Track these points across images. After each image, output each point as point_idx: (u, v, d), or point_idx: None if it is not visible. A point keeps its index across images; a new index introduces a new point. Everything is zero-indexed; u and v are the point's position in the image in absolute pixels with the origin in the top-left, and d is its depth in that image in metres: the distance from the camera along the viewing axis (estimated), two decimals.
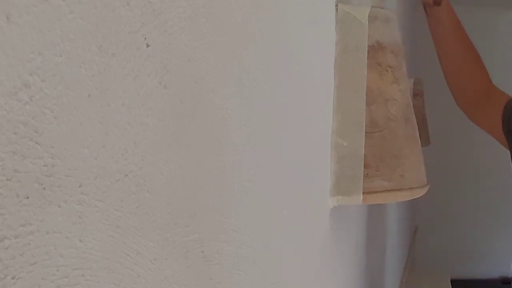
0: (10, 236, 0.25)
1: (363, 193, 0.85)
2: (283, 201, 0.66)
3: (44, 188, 0.27)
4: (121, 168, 0.33)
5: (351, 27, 0.85)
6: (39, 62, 0.26)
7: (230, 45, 0.48)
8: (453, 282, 3.39)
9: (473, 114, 1.51)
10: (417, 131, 0.99)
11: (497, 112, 1.47)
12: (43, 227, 0.27)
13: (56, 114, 0.28)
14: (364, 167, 0.85)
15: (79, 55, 0.29)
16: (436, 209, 4.08)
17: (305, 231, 0.77)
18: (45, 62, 0.27)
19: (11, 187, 0.25)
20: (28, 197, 0.26)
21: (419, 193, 0.95)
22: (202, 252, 0.44)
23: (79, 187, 0.30)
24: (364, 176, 0.85)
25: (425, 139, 2.24)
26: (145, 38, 0.35)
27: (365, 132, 0.85)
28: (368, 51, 0.86)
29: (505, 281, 4.30)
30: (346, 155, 0.85)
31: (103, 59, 0.31)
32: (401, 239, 3.02)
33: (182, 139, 0.41)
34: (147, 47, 0.35)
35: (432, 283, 3.33)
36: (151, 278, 0.37)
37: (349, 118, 0.85)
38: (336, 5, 0.85)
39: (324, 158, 0.83)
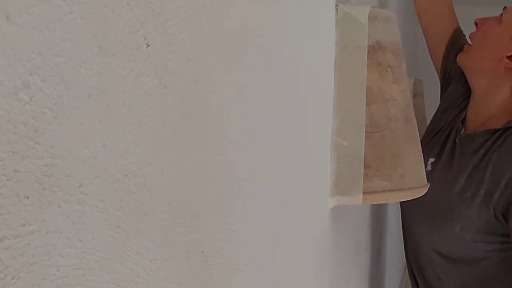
0: (10, 236, 0.25)
1: (363, 193, 0.85)
2: (283, 201, 0.66)
3: (44, 188, 0.27)
4: (121, 168, 0.33)
5: (351, 27, 0.85)
6: (39, 62, 0.26)
7: (230, 45, 0.48)
8: None
9: (425, 19, 1.57)
10: (417, 131, 0.99)
11: (446, 35, 1.54)
12: (43, 227, 0.27)
13: (56, 114, 0.28)
14: (364, 167, 0.85)
15: (79, 55, 0.29)
16: None
17: (305, 231, 0.77)
18: (45, 62, 0.27)
19: (11, 187, 0.25)
20: (28, 197, 0.26)
21: (419, 193, 0.95)
22: (202, 252, 0.44)
23: (79, 187, 0.30)
24: (364, 176, 0.85)
25: None
26: (145, 38, 0.35)
27: (365, 132, 0.85)
28: (368, 51, 0.86)
29: None
30: (346, 155, 0.85)
31: (103, 59, 0.31)
32: (401, 239, 3.02)
33: (182, 139, 0.41)
34: (147, 47, 0.35)
35: None
36: (151, 278, 0.37)
37: (349, 118, 0.85)
38: (336, 5, 0.85)
39: (324, 158, 0.83)
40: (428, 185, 0.99)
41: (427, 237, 1.42)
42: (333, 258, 0.98)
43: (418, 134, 0.99)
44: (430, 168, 1.44)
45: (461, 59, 1.44)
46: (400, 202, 1.54)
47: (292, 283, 0.71)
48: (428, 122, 1.59)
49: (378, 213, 1.90)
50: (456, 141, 1.41)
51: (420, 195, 0.96)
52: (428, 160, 1.45)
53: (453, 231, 1.34)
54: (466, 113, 1.45)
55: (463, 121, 1.45)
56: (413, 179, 0.92)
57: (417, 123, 1.02)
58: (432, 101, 2.97)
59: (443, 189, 1.37)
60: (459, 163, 1.37)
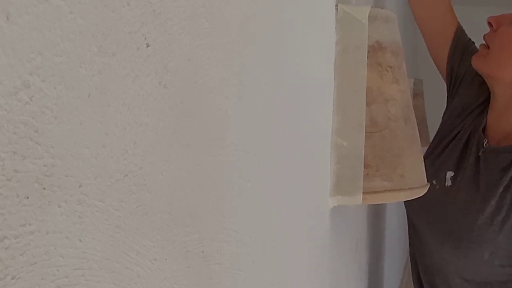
0: (10, 236, 0.25)
1: (363, 193, 0.85)
2: (283, 201, 0.66)
3: (44, 188, 0.27)
4: (121, 168, 0.33)
5: (351, 27, 0.85)
6: (39, 62, 0.26)
7: (230, 45, 0.48)
8: None
9: (425, 24, 1.50)
10: (417, 131, 0.99)
11: (448, 36, 1.47)
12: (43, 227, 0.27)
13: (56, 114, 0.28)
14: (364, 167, 0.85)
15: (79, 55, 0.29)
16: None
17: (305, 231, 0.77)
18: (45, 62, 0.27)
19: (11, 187, 0.25)
20: (28, 197, 0.26)
21: (419, 193, 0.95)
22: (202, 252, 0.44)
23: (79, 187, 0.30)
24: (364, 176, 0.85)
25: (425, 139, 2.24)
26: (145, 38, 0.35)
27: (365, 132, 0.85)
28: (368, 51, 0.86)
29: None
30: (346, 155, 0.85)
31: (103, 59, 0.31)
32: (401, 239, 3.02)
33: (182, 139, 0.41)
34: (147, 47, 0.35)
35: None
36: (151, 278, 0.37)
37: (349, 118, 0.85)
38: (336, 5, 0.85)
39: (324, 158, 0.83)
40: (428, 185, 0.99)
41: (451, 260, 1.34)
42: (333, 258, 0.98)
43: (418, 134, 0.99)
44: (451, 184, 1.34)
45: (479, 65, 1.33)
46: (413, 215, 1.46)
47: (292, 283, 0.71)
48: (428, 122, 1.57)
49: (378, 213, 1.90)
50: (480, 154, 1.31)
51: (420, 195, 0.96)
52: (446, 174, 1.36)
53: (481, 257, 1.27)
54: (487, 121, 1.35)
55: (484, 130, 1.34)
56: (413, 179, 0.92)
57: (417, 123, 1.02)
58: (432, 101, 2.98)
59: (470, 211, 1.29)
60: (486, 182, 1.28)
